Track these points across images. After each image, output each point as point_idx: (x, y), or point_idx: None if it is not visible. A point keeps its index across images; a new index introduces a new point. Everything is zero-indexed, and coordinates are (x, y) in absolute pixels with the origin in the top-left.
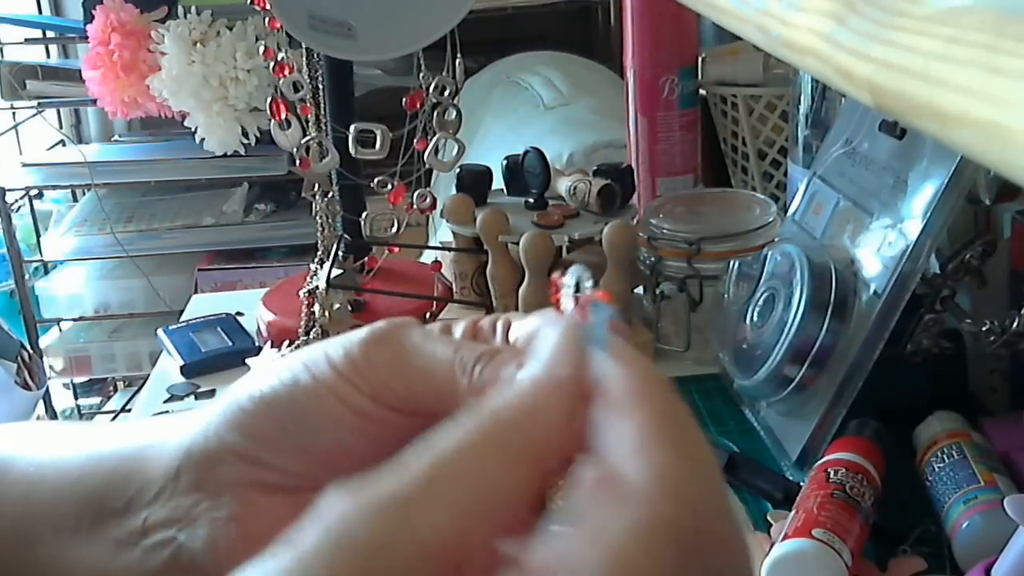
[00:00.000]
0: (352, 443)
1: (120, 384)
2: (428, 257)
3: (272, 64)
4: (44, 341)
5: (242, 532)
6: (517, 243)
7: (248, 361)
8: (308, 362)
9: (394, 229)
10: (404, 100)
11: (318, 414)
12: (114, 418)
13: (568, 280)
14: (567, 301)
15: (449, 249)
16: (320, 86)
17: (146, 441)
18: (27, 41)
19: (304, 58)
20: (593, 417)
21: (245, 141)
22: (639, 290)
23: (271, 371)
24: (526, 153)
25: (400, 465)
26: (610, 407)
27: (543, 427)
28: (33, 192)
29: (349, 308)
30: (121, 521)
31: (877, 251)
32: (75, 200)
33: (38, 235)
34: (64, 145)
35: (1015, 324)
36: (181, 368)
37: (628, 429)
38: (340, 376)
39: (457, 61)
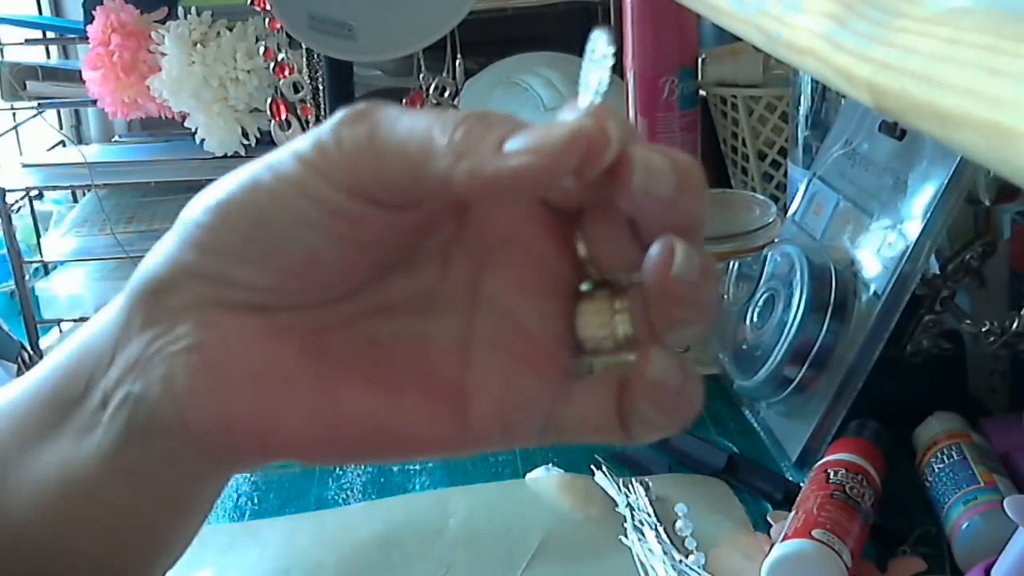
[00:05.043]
0: (323, 248)
1: None
2: None
3: (272, 65)
4: (44, 342)
5: (204, 360)
6: None
7: None
8: (271, 160)
9: None
10: (404, 101)
11: (283, 216)
12: None
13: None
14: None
15: None
16: (320, 87)
17: (99, 322)
18: (27, 42)
19: (304, 59)
20: None
21: (245, 142)
22: None
23: (229, 177)
24: None
25: None
26: None
27: None
28: (33, 193)
29: None
30: (82, 406)
31: (877, 252)
32: (75, 201)
33: (38, 236)
34: (64, 146)
35: (1015, 325)
36: None
37: None
38: (307, 167)
39: (457, 62)
